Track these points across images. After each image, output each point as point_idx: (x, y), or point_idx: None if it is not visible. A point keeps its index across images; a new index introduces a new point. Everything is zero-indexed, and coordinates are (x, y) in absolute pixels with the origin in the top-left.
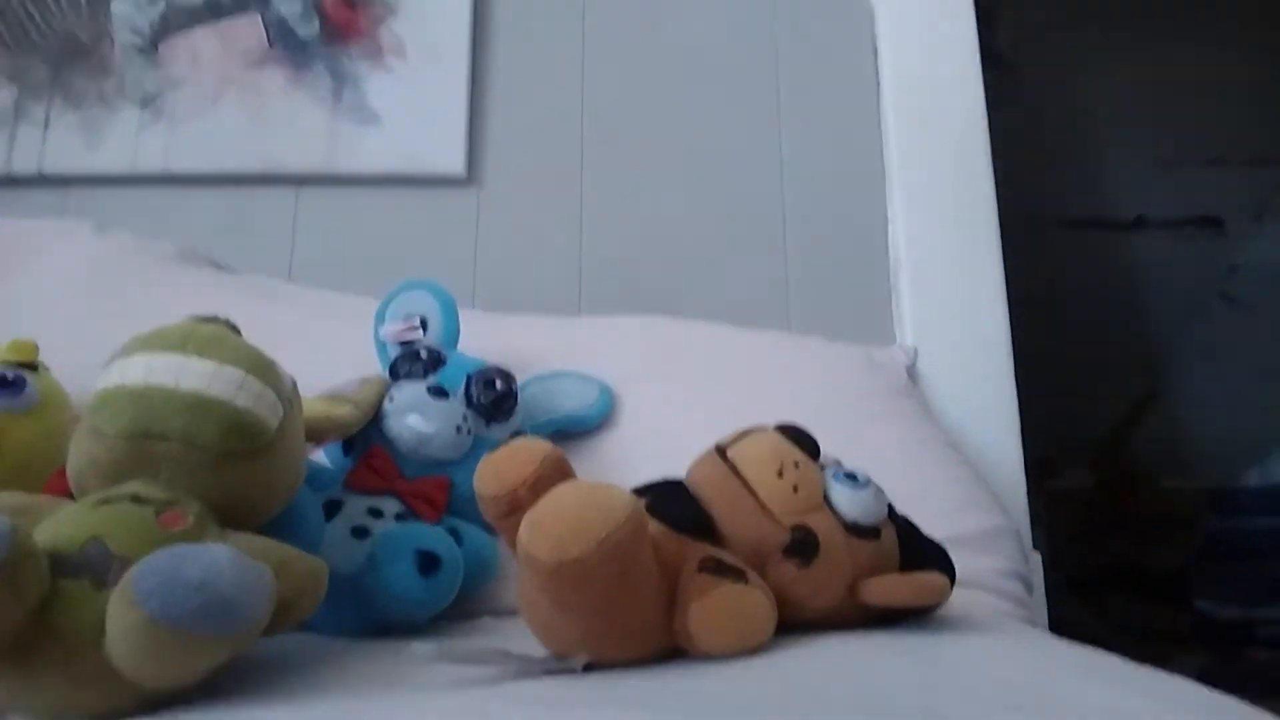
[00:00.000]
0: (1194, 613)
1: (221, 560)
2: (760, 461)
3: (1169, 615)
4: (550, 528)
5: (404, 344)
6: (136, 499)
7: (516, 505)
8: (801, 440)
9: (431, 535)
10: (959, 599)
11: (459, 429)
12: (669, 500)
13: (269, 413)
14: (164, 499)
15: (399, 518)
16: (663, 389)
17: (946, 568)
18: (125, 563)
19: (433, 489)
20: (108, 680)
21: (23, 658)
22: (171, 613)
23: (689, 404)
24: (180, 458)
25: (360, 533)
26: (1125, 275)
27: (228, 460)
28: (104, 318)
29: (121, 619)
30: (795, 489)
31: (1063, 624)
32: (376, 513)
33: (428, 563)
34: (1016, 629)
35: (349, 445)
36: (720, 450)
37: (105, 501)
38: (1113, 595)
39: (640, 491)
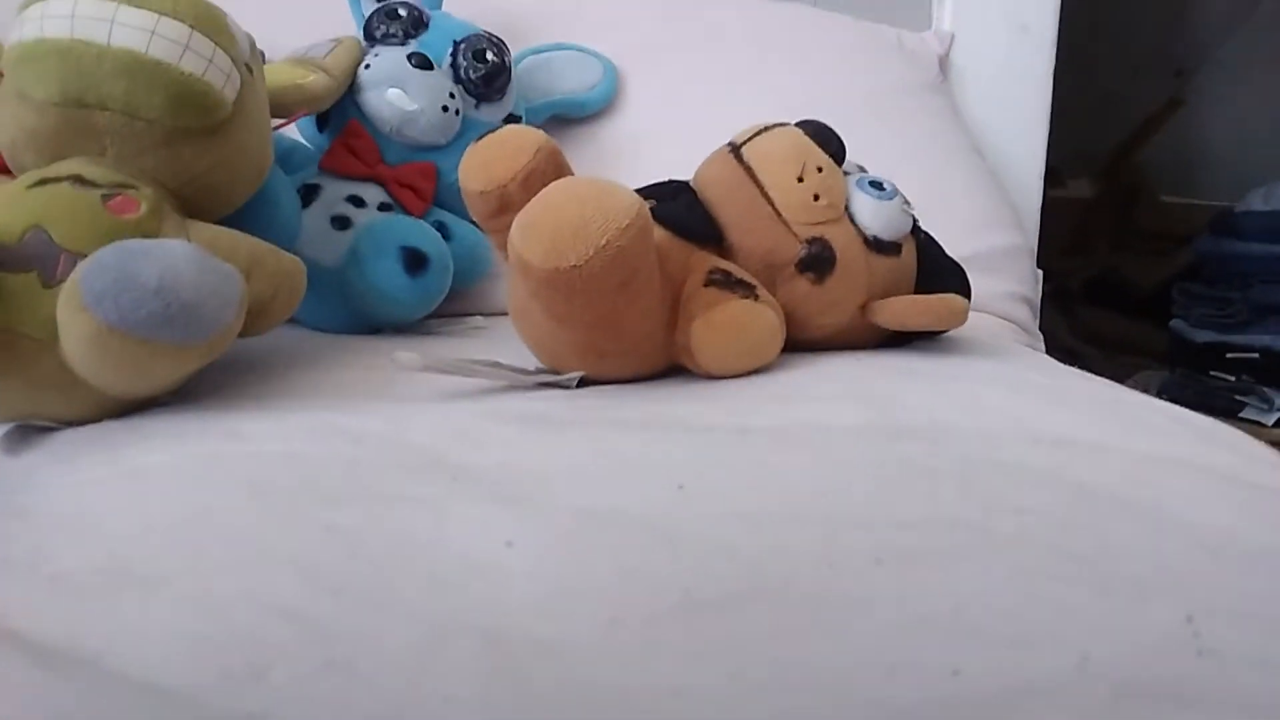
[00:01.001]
0: (1169, 331)
1: (181, 260)
2: (779, 163)
3: (1144, 331)
4: (544, 230)
5: None
6: (80, 180)
7: (506, 203)
8: (826, 140)
9: (418, 231)
10: (969, 322)
11: (445, 108)
12: (675, 204)
13: (223, 80)
14: (112, 182)
15: (382, 207)
16: (672, 69)
17: (964, 290)
18: (73, 257)
19: (418, 176)
20: (69, 384)
21: None
22: (127, 320)
23: (701, 87)
24: (124, 132)
25: (341, 223)
26: None
27: (180, 137)
28: None
29: (72, 324)
30: (816, 197)
31: None
32: (358, 201)
33: (414, 261)
34: (1026, 357)
35: (323, 120)
36: (734, 148)
37: (43, 182)
38: (1091, 308)
39: (643, 193)
